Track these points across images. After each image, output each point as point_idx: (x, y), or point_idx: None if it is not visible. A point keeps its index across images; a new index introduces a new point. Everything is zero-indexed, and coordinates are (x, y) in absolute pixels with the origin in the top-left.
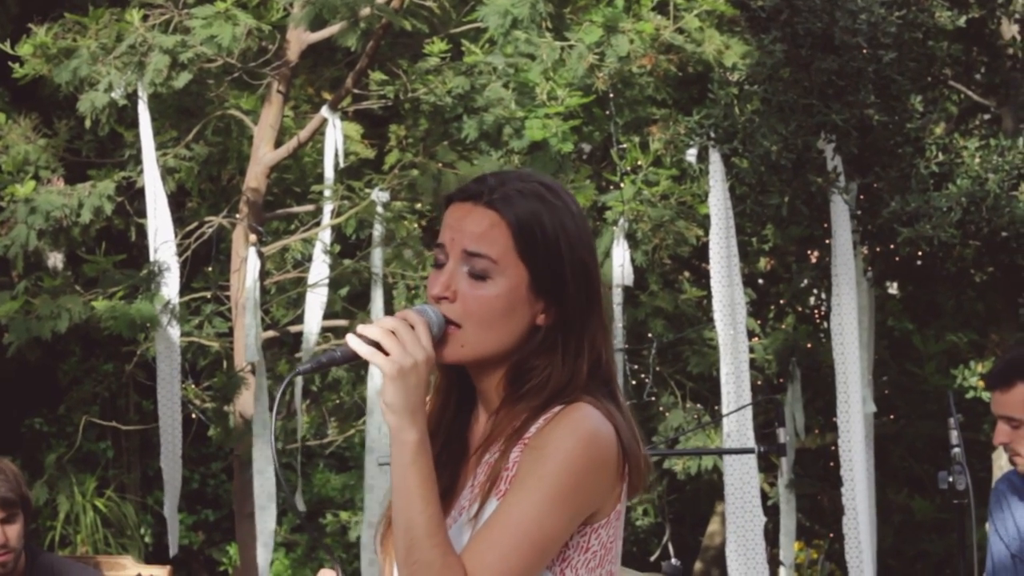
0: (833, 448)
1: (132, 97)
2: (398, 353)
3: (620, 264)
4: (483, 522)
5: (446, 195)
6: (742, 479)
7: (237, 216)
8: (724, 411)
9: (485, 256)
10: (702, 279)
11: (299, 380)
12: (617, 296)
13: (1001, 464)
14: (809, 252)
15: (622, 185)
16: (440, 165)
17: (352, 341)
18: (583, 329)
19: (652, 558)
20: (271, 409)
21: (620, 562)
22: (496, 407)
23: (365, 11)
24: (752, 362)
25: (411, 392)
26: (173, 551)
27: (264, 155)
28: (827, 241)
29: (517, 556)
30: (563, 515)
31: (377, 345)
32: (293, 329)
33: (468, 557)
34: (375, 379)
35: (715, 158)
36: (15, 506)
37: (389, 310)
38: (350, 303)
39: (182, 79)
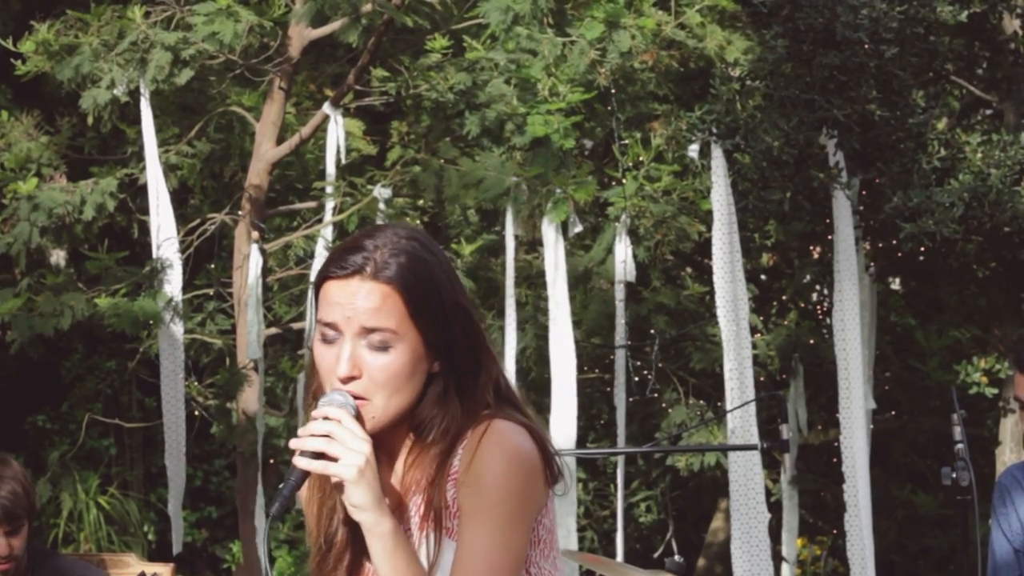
0: (836, 444)
1: (134, 94)
2: (348, 456)
3: (622, 260)
4: (445, 563)
5: (325, 268)
6: (746, 475)
7: (239, 213)
8: (727, 407)
9: (385, 329)
10: (704, 275)
11: (302, 377)
12: (619, 292)
13: (1004, 459)
14: (811, 248)
15: (624, 181)
16: (442, 161)
17: (300, 462)
18: (475, 365)
19: (655, 555)
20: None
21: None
22: (404, 456)
23: (367, 7)
24: (755, 358)
25: (373, 484)
26: (176, 549)
27: (266, 152)
28: (829, 237)
29: None
30: (521, 533)
31: (322, 455)
32: (296, 326)
33: None
34: None
35: (717, 154)
36: (21, 519)
37: None
38: None
39: (184, 76)
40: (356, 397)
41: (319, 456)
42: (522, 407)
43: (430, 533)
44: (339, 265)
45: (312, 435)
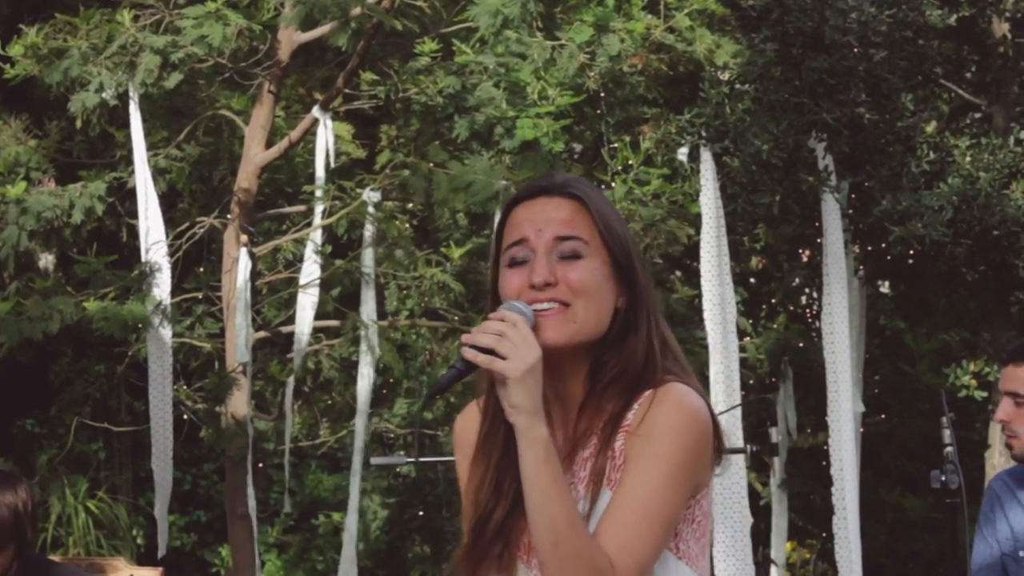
0: (825, 447)
1: (123, 97)
2: (516, 356)
3: None
4: (600, 512)
5: (512, 198)
6: (730, 479)
7: (228, 216)
8: (714, 411)
9: (577, 238)
10: (694, 278)
11: (291, 381)
12: None
13: (993, 463)
14: (800, 251)
15: (613, 184)
16: (431, 165)
17: (467, 353)
18: (651, 309)
19: None
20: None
21: None
22: (579, 405)
23: (356, 11)
24: (744, 361)
25: (535, 391)
26: (162, 552)
27: (255, 155)
28: (818, 240)
29: (650, 535)
30: (681, 491)
31: (491, 351)
32: (284, 330)
33: (606, 541)
34: (365, 380)
35: (706, 157)
36: (7, 541)
37: (381, 310)
38: (341, 303)
39: (173, 79)
40: (557, 302)
41: (488, 353)
42: (689, 368)
43: (592, 484)
44: (527, 192)
45: (485, 332)
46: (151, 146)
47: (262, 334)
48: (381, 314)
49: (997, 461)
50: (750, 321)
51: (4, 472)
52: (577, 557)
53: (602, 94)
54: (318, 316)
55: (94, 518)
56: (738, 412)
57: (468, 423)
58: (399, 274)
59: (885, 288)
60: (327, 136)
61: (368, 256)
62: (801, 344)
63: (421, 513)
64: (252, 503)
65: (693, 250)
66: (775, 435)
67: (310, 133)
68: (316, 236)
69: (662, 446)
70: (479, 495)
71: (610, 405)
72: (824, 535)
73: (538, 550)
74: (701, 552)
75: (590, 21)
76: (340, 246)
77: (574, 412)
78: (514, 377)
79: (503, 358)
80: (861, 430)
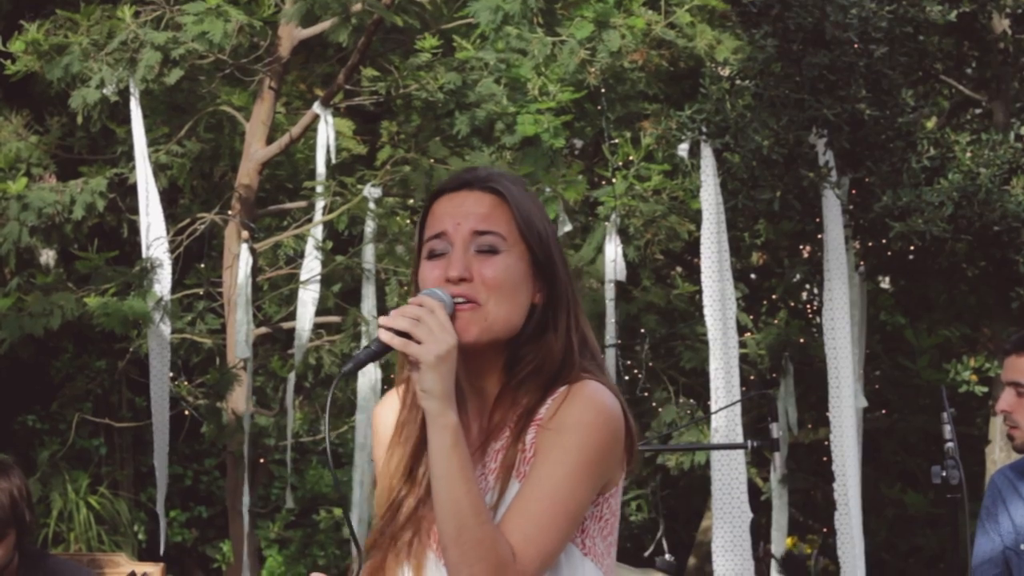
0: (826, 443)
1: (124, 93)
2: (431, 341)
3: (612, 259)
4: (508, 503)
5: (435, 190)
6: (730, 475)
7: (229, 212)
8: (713, 406)
9: (495, 233)
10: (694, 274)
11: (292, 377)
12: (609, 291)
13: (994, 458)
14: (801, 247)
15: (614, 180)
16: (432, 161)
17: (383, 335)
18: (571, 306)
19: (646, 554)
20: (326, 412)
21: None
22: (495, 397)
23: (357, 7)
24: (745, 357)
25: (447, 377)
26: (162, 548)
27: (256, 151)
28: (819, 236)
29: (554, 527)
30: (589, 486)
31: (407, 335)
32: (285, 325)
33: (509, 531)
34: (368, 376)
35: (707, 153)
36: (4, 529)
37: (382, 306)
38: (342, 299)
39: (174, 75)
40: (469, 300)
41: (404, 336)
42: (605, 368)
43: (502, 475)
44: (449, 184)
45: (403, 315)
46: (152, 142)
47: (263, 330)
48: (382, 310)
49: (998, 457)
50: (751, 317)
51: None
52: (479, 544)
53: (603, 90)
54: (319, 312)
55: (95, 514)
56: (738, 407)
57: (386, 411)
58: (400, 270)
59: (886, 284)
60: (328, 132)
61: (369, 252)
62: (802, 340)
63: None
64: (246, 499)
65: (694, 246)
66: (775, 431)
67: (311, 129)
68: (317, 232)
69: (571, 440)
70: (393, 482)
71: (525, 399)
72: (825, 530)
73: (441, 535)
74: (607, 550)
75: (591, 17)
76: (341, 242)
77: (490, 404)
78: (427, 362)
79: (418, 342)
80: (861, 425)
